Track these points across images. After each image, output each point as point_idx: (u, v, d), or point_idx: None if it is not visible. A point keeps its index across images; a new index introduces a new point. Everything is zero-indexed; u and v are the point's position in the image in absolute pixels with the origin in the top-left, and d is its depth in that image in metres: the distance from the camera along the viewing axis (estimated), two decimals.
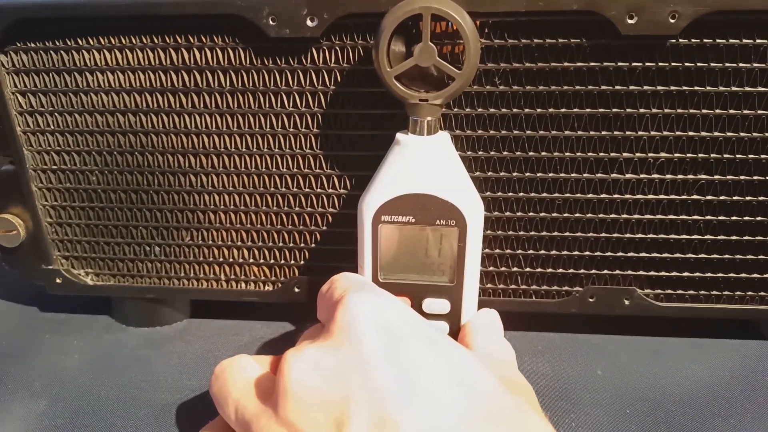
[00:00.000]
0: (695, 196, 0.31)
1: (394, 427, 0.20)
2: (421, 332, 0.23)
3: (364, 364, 0.21)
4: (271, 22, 0.29)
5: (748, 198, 0.31)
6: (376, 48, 0.27)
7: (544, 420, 0.22)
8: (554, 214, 0.32)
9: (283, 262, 0.35)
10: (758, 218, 0.32)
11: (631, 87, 0.29)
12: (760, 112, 0.30)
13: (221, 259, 0.36)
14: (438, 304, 0.30)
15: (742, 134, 0.30)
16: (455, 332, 0.31)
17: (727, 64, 0.29)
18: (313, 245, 0.35)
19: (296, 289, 0.35)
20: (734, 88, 0.29)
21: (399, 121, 0.30)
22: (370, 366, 0.21)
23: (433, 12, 0.26)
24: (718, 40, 0.28)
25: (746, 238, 0.32)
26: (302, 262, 0.35)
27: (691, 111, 0.30)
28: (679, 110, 0.30)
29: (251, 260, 0.35)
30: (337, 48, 0.30)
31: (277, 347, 0.36)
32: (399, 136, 0.28)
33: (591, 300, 0.34)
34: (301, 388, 0.21)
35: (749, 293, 0.33)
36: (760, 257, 0.33)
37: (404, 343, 0.22)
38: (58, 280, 0.37)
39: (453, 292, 0.30)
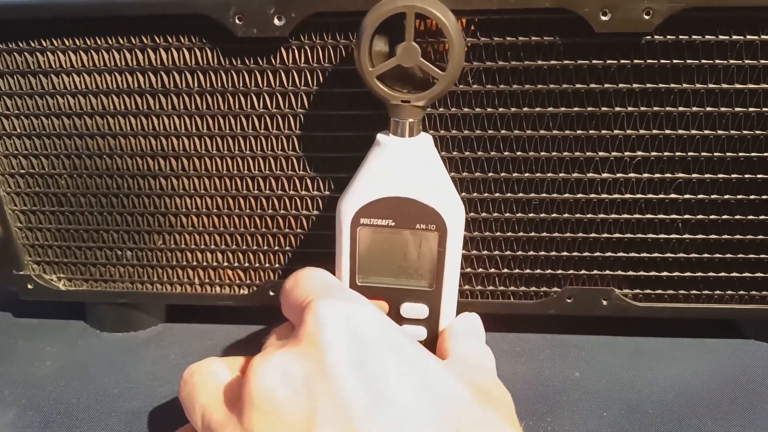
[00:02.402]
0: (673, 195, 0.31)
1: None
2: (391, 341, 0.23)
3: (331, 375, 0.21)
4: (238, 22, 0.28)
5: (726, 196, 0.31)
6: (358, 47, 0.26)
7: (516, 431, 0.22)
8: (531, 215, 0.32)
9: (257, 265, 0.35)
10: (737, 217, 0.31)
11: (606, 85, 0.29)
12: (737, 109, 0.29)
13: (195, 263, 0.35)
14: (416, 309, 0.29)
15: (719, 132, 0.30)
16: (434, 337, 0.30)
17: (703, 61, 0.28)
18: (287, 248, 0.34)
19: (271, 293, 0.35)
20: (711, 86, 0.29)
21: (375, 122, 0.30)
22: (338, 377, 0.21)
23: (417, 11, 0.25)
24: (693, 37, 0.28)
25: (725, 237, 0.32)
26: (277, 265, 0.35)
27: (668, 109, 0.29)
28: (655, 108, 0.29)
29: (225, 264, 0.35)
30: (307, 47, 0.29)
31: (254, 351, 0.35)
32: (380, 137, 0.28)
33: (569, 301, 0.33)
34: (267, 398, 0.21)
35: (729, 292, 0.33)
36: (739, 256, 0.32)
37: (373, 353, 0.22)
38: (29, 286, 0.36)
39: (432, 297, 0.29)
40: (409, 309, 0.29)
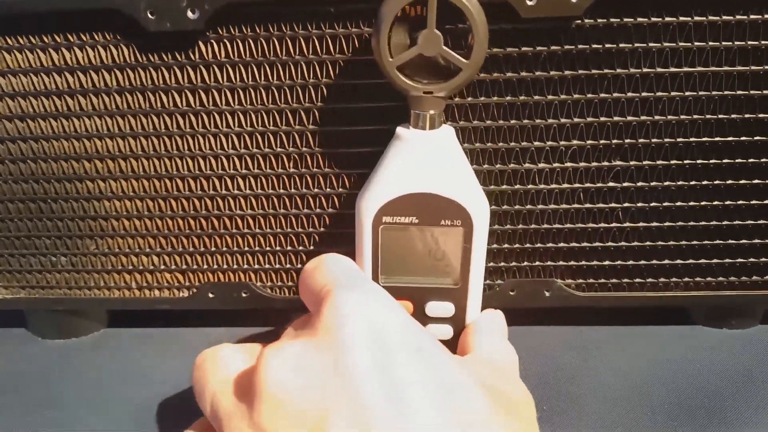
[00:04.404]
0: (611, 184, 0.30)
1: None
2: (414, 344, 0.21)
3: (348, 373, 0.20)
4: (150, 16, 0.27)
5: (666, 183, 0.30)
6: (376, 37, 0.24)
7: None
8: None
9: (195, 267, 0.34)
10: (678, 204, 0.31)
11: (538, 73, 0.28)
12: (673, 93, 0.28)
13: (130, 267, 0.34)
14: (442, 308, 0.29)
15: (656, 117, 0.29)
16: (459, 335, 0.29)
17: (636, 45, 0.28)
18: (225, 249, 0.33)
19: (210, 295, 0.34)
20: (645, 70, 0.28)
21: (308, 116, 0.29)
22: (356, 377, 0.20)
23: None
24: (625, 20, 0.27)
25: (667, 224, 0.31)
26: (216, 267, 0.34)
27: (602, 95, 0.29)
28: (589, 95, 0.28)
29: (162, 267, 0.34)
30: (226, 41, 0.28)
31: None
32: (400, 130, 0.26)
33: (512, 293, 0.32)
34: (277, 390, 0.20)
35: (674, 279, 0.33)
36: (682, 243, 0.32)
37: (395, 357, 0.20)
38: None
39: (457, 295, 0.28)
40: (434, 308, 0.29)
